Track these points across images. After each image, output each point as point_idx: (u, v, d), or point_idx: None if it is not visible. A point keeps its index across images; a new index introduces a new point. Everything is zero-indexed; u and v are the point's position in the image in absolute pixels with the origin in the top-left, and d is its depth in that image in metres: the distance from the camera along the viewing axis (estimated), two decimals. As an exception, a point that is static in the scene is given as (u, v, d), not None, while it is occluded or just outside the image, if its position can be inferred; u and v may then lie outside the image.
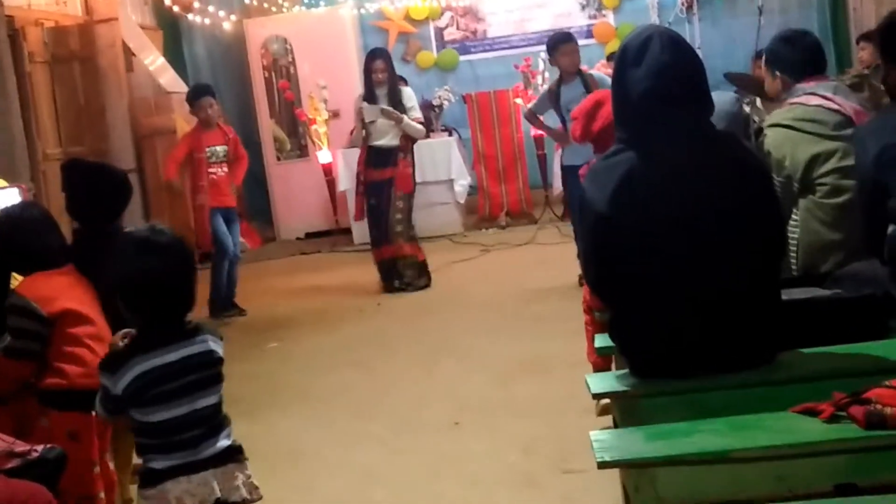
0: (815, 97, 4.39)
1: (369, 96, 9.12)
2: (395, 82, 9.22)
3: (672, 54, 3.11)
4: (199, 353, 3.24)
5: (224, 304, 9.11)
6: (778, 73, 4.63)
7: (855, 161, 3.81)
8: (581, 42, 9.44)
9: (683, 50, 3.17)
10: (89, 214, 4.49)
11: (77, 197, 4.53)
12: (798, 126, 4.37)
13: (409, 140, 9.24)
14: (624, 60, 3.16)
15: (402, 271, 9.29)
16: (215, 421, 3.27)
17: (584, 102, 4.91)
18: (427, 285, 9.37)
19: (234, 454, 3.30)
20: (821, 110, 4.37)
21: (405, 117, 9.04)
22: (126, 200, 4.61)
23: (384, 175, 9.13)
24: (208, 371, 3.26)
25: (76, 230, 4.59)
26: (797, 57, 4.55)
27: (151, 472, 3.20)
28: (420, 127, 9.31)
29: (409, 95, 9.34)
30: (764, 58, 4.78)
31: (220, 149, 8.94)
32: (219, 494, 3.20)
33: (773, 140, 4.44)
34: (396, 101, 9.07)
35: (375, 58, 9.19)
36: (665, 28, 3.37)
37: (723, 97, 4.08)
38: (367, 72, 9.17)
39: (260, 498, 3.37)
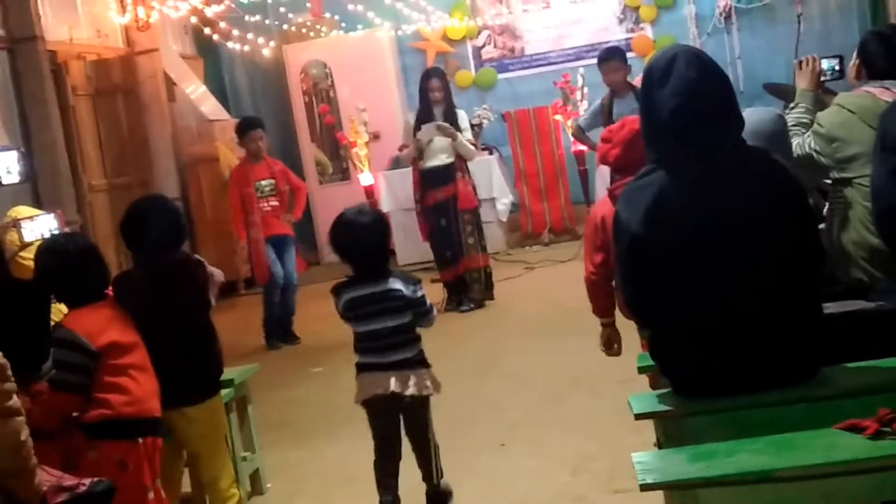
0: (888, 92, 4.36)
1: (426, 115, 9.14)
2: (450, 102, 9.27)
3: (698, 72, 3.10)
4: (386, 290, 4.52)
5: (282, 332, 9.17)
6: (860, 61, 4.62)
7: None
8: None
9: (709, 67, 3.15)
10: (141, 246, 4.49)
11: (130, 230, 4.52)
12: (862, 115, 4.34)
13: (462, 160, 9.27)
14: (650, 81, 3.15)
15: (470, 286, 9.32)
16: (398, 338, 4.52)
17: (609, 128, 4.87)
18: (492, 298, 9.42)
19: (411, 363, 4.53)
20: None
21: (459, 135, 9.07)
22: (183, 232, 4.64)
23: (447, 193, 9.14)
24: (392, 303, 4.51)
25: (134, 262, 4.60)
26: (882, 59, 4.52)
27: (357, 365, 4.63)
28: (473, 148, 9.38)
29: (462, 116, 9.39)
30: (859, 42, 4.75)
31: (265, 183, 8.94)
32: (393, 388, 4.46)
33: (831, 118, 4.44)
34: (452, 122, 9.11)
35: (431, 77, 9.26)
36: (690, 47, 3.36)
37: (764, 115, 4.05)
38: (424, 91, 9.21)
39: (430, 394, 4.57)
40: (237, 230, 9.21)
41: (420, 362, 4.59)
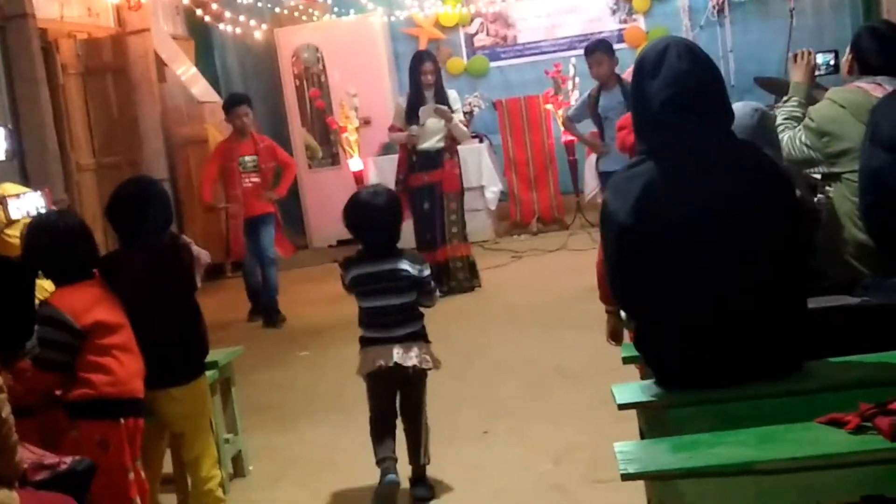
0: (880, 88, 4.37)
1: (417, 98, 9.13)
2: (442, 84, 9.26)
3: (690, 63, 3.10)
4: (394, 269, 4.70)
5: (268, 310, 9.23)
6: (853, 56, 4.61)
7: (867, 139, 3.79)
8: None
9: (701, 59, 3.15)
10: (136, 231, 4.45)
11: (124, 215, 4.48)
12: (853, 111, 4.35)
13: (454, 141, 9.29)
14: (642, 72, 3.15)
15: (454, 273, 9.33)
16: (402, 315, 4.72)
17: (626, 115, 4.90)
18: (479, 286, 9.46)
19: (414, 337, 4.75)
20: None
21: (454, 116, 9.09)
22: (170, 215, 4.61)
23: (433, 178, 9.17)
24: (398, 282, 4.70)
25: (121, 243, 4.56)
26: (875, 55, 4.52)
27: (361, 338, 4.81)
28: (465, 129, 9.40)
29: (454, 97, 9.37)
30: (853, 37, 4.75)
31: (248, 159, 9.05)
32: (396, 359, 4.66)
33: (822, 112, 4.45)
34: (443, 104, 9.10)
35: (424, 60, 9.24)
36: (682, 38, 3.35)
37: (741, 110, 4.05)
38: (415, 73, 9.18)
39: (430, 368, 4.78)
40: (203, 192, 9.38)
41: (422, 336, 4.80)
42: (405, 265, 4.71)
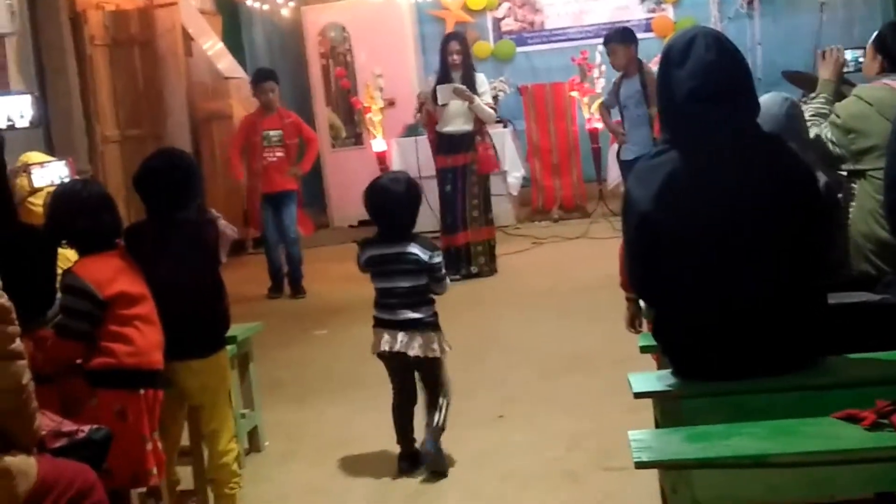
0: None
1: (444, 78, 9.12)
2: (469, 67, 9.26)
3: (717, 54, 3.09)
4: (404, 252, 4.84)
5: (291, 282, 9.40)
6: (879, 56, 4.59)
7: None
8: (640, 36, 9.39)
9: (728, 50, 3.14)
10: (163, 203, 4.45)
11: (153, 186, 4.45)
12: (879, 108, 4.33)
13: (482, 124, 9.26)
14: (668, 61, 3.15)
15: (475, 258, 9.34)
16: (410, 299, 4.84)
17: None
18: (495, 271, 9.46)
19: (420, 325, 4.84)
20: None
21: (476, 98, 9.05)
22: (197, 189, 4.62)
23: (456, 161, 9.17)
24: (407, 265, 4.83)
25: (148, 215, 4.57)
26: None
27: (373, 318, 4.95)
28: (491, 111, 9.37)
29: (481, 80, 9.36)
30: (873, 36, 4.72)
31: (273, 133, 9.12)
32: (399, 347, 4.81)
33: (848, 109, 4.43)
34: (470, 86, 9.08)
35: (451, 41, 9.27)
36: (710, 28, 3.35)
37: (771, 99, 4.03)
38: (443, 53, 9.21)
39: (435, 357, 4.86)
40: (233, 167, 9.49)
41: (430, 325, 4.89)
42: (415, 249, 4.84)
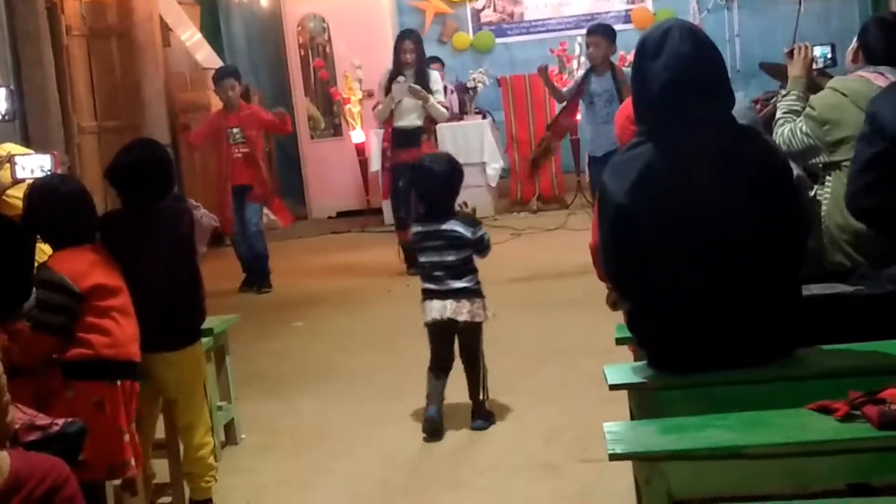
0: (882, 77, 4.36)
1: (396, 76, 9.12)
2: (422, 65, 9.25)
3: (692, 46, 3.10)
4: (446, 229, 5.23)
5: (257, 276, 9.31)
6: (859, 45, 4.61)
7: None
8: (618, 28, 9.42)
9: (703, 42, 3.15)
10: (137, 193, 4.44)
11: (126, 176, 4.45)
12: (854, 99, 4.34)
13: (432, 121, 9.28)
14: (643, 53, 3.15)
15: None
16: (456, 271, 5.23)
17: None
18: None
19: (467, 292, 5.24)
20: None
21: (430, 97, 9.05)
22: (172, 179, 4.60)
23: (410, 156, 9.13)
24: (451, 241, 5.22)
25: (122, 206, 4.55)
26: (881, 45, 4.52)
27: (422, 290, 5.35)
28: (444, 110, 9.34)
29: (435, 79, 9.37)
30: (861, 27, 4.75)
31: (235, 130, 9.11)
32: (449, 315, 5.20)
33: (824, 100, 4.45)
34: (423, 84, 9.07)
35: (404, 38, 9.24)
36: (685, 21, 3.36)
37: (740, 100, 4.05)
38: (397, 51, 9.21)
39: (480, 322, 5.28)
40: (195, 141, 9.83)
41: (475, 292, 5.31)
42: (458, 227, 5.23)
